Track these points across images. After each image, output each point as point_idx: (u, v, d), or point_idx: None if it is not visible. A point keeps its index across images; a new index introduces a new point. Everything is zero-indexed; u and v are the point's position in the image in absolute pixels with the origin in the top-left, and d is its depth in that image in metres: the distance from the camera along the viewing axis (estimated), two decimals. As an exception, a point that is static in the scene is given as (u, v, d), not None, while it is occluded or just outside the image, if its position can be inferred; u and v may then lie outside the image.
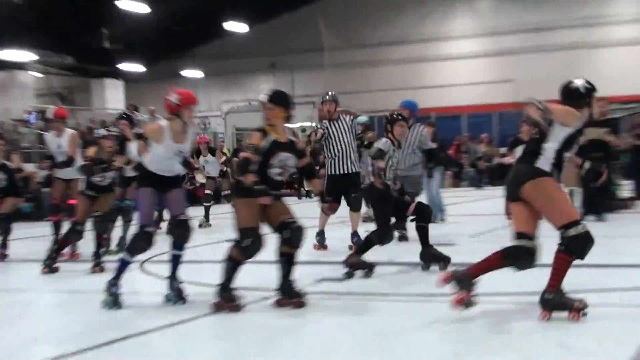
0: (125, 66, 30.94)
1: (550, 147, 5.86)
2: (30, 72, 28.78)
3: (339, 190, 10.25)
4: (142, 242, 6.80)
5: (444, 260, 8.16)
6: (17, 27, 23.91)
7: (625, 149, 14.98)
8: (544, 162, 5.83)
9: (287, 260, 6.56)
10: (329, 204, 9.33)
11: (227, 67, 34.79)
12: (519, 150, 10.50)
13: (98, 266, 9.33)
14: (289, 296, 6.57)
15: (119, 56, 29.41)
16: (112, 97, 30.68)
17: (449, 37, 33.11)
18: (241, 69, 34.93)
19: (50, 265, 9.51)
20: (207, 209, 15.61)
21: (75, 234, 9.59)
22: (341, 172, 10.32)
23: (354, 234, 10.33)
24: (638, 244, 10.50)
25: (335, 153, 10.33)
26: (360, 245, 8.52)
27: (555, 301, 5.69)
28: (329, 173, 10.47)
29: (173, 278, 7.03)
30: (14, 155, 11.64)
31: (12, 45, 25.15)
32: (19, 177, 11.70)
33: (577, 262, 8.48)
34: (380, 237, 8.31)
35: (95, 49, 27.95)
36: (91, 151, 9.51)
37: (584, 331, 5.43)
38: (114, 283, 6.78)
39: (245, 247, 6.32)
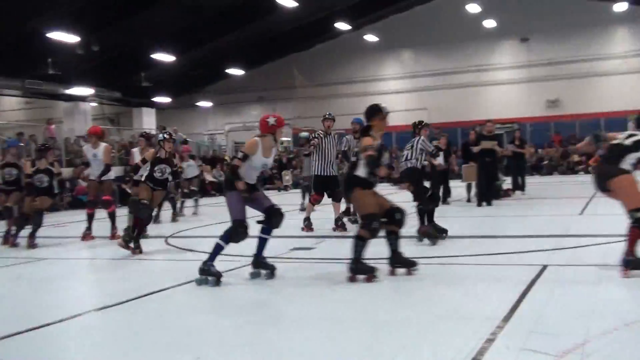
0: (156, 99, 30.84)
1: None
2: (89, 103, 28.58)
3: (324, 187, 9.90)
4: (240, 234, 5.99)
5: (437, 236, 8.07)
6: (81, 70, 24.04)
7: (506, 155, 15.24)
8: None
9: (396, 237, 6.05)
10: (314, 196, 9.40)
11: (228, 99, 34.78)
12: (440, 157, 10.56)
13: (139, 249, 8.35)
14: (405, 264, 6.03)
15: (152, 91, 29.38)
16: (147, 120, 30.60)
17: (383, 78, 33.27)
18: (238, 100, 34.92)
19: (128, 243, 8.32)
20: (182, 203, 13.78)
21: (145, 213, 8.36)
22: (326, 173, 9.82)
23: (337, 219, 9.87)
24: (515, 222, 10.63)
25: (323, 159, 9.84)
26: (420, 217, 8.23)
27: (633, 263, 5.46)
28: (317, 174, 9.90)
29: (261, 257, 6.26)
30: (56, 163, 11.00)
31: (78, 84, 25.36)
32: (58, 179, 10.76)
33: (478, 233, 8.63)
34: (426, 204, 8.21)
35: (136, 86, 27.96)
36: (150, 153, 8.78)
37: (473, 293, 5.18)
38: (211, 264, 6.00)
39: (373, 229, 5.79)
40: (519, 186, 15.72)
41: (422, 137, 8.72)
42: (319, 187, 9.87)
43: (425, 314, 4.61)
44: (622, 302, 4.72)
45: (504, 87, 30.75)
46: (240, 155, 6.08)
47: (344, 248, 6.65)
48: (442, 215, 9.53)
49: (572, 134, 28.29)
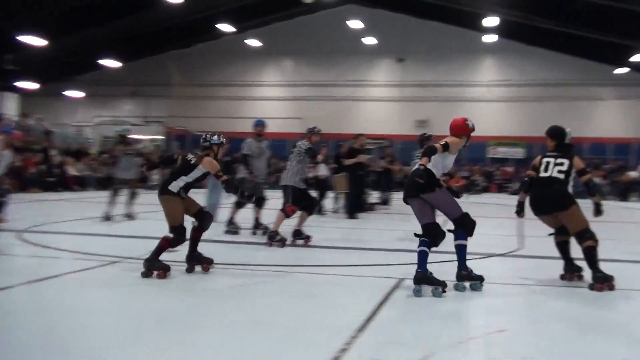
0: (21, 84, 29.06)
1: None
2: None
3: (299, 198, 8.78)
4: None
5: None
6: None
7: (376, 170, 15.69)
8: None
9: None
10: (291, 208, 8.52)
11: (100, 91, 33.31)
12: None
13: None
14: (200, 261, 6.38)
15: (17, 76, 27.60)
16: (8, 106, 28.79)
17: (262, 84, 33.36)
18: (110, 93, 33.60)
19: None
20: None
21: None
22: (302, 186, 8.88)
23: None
24: (377, 235, 10.89)
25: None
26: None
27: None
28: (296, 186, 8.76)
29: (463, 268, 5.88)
30: None
31: None
32: None
33: (341, 244, 8.74)
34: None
35: (-1, 68, 26.21)
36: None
37: (330, 304, 5.23)
38: (465, 267, 5.81)
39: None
40: (384, 201, 16.24)
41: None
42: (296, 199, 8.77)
43: (280, 324, 4.60)
44: (471, 315, 4.97)
45: (377, 104, 31.82)
46: (443, 143, 5.79)
47: (208, 253, 6.57)
48: (311, 225, 9.66)
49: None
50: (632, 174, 24.75)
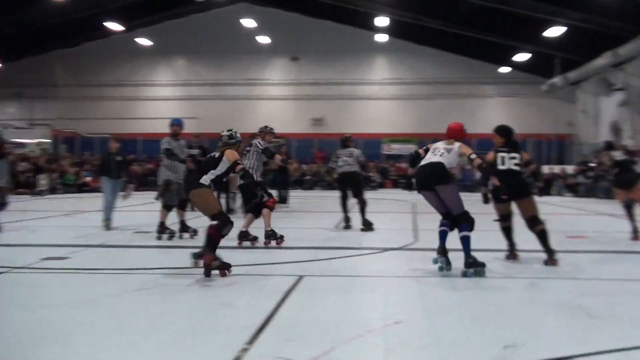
0: None
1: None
2: None
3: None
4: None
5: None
6: None
7: (273, 169, 15.70)
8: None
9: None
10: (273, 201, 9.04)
11: (-21, 91, 31.53)
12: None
13: None
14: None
15: None
16: None
17: (154, 83, 32.57)
18: (-9, 94, 31.87)
19: None
20: None
21: None
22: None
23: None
24: (280, 233, 10.85)
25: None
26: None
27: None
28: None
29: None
30: None
31: None
32: None
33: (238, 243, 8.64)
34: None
35: None
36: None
37: (230, 303, 5.21)
38: (471, 256, 6.39)
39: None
40: (282, 199, 16.30)
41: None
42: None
43: (179, 326, 4.53)
44: (368, 310, 5.08)
45: (274, 103, 31.84)
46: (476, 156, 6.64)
47: (103, 258, 6.36)
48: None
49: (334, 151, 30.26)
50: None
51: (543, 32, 22.95)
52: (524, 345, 4.05)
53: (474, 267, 6.39)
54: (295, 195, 19.64)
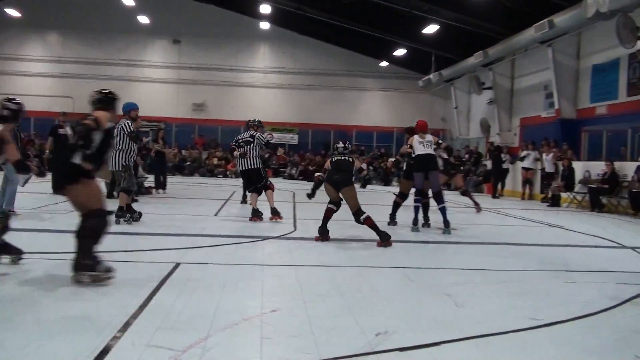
0: None
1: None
2: None
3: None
4: None
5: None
6: None
7: (150, 153, 15.34)
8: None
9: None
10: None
11: None
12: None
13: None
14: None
15: None
16: None
17: (24, 58, 30.57)
18: None
19: None
20: None
21: None
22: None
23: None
24: (153, 220, 10.58)
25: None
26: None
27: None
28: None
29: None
30: None
31: None
32: None
33: (114, 229, 8.38)
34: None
35: None
36: None
37: (103, 291, 5.21)
38: (447, 221, 9.72)
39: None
40: (160, 184, 15.92)
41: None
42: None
43: (51, 313, 4.32)
44: (245, 298, 5.05)
45: (153, 85, 30.86)
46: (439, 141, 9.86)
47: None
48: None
49: (214, 138, 30.06)
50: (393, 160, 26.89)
51: (421, 29, 23.77)
52: (395, 332, 4.19)
53: (448, 228, 9.55)
54: (174, 181, 19.24)
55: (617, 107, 17.76)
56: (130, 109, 9.64)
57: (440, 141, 10.15)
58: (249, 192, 11.13)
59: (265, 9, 26.71)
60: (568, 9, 17.03)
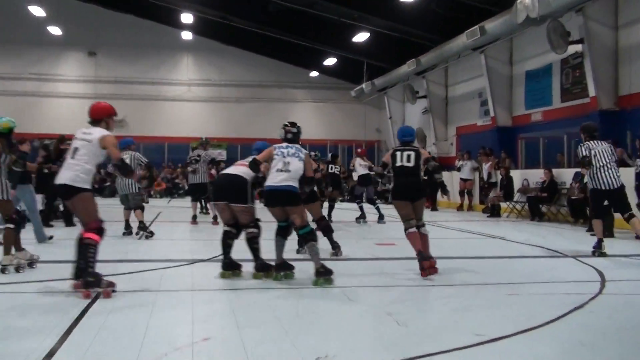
0: None
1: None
2: None
3: None
4: None
5: None
6: None
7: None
8: None
9: None
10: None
11: None
12: None
13: None
14: None
15: None
16: None
17: None
18: None
19: None
20: None
21: None
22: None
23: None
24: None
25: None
26: None
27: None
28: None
29: None
30: None
31: None
32: None
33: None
34: None
35: None
36: None
37: (20, 325, 5.01)
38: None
39: None
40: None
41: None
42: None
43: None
44: (175, 326, 4.93)
45: (68, 101, 29.99)
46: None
47: None
48: None
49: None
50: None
51: (351, 37, 24.06)
52: (336, 355, 4.15)
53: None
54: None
55: (552, 113, 18.39)
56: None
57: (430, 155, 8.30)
58: (192, 202, 14.40)
59: (187, 18, 26.48)
60: (499, 15, 17.56)
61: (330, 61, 28.77)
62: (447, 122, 25.21)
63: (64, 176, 6.19)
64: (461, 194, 19.86)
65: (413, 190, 7.64)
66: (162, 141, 30.14)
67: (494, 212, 17.40)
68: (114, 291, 5.96)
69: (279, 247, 7.10)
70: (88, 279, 5.88)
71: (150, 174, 12.23)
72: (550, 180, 15.55)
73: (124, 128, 30.43)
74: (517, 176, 17.44)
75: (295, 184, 6.97)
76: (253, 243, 7.21)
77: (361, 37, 23.79)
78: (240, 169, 7.35)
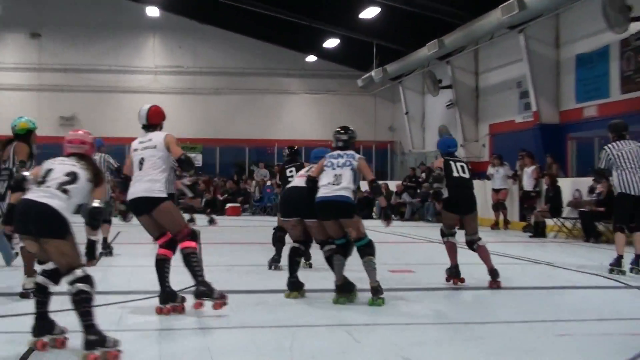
0: None
1: None
2: None
3: None
4: None
5: None
6: None
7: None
8: None
9: None
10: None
11: None
12: None
13: None
14: None
15: None
16: None
17: None
18: None
19: None
20: None
21: None
22: None
23: None
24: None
25: None
26: None
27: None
28: None
29: None
30: None
31: None
32: None
33: None
34: None
35: None
36: None
37: None
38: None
39: None
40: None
41: None
42: None
43: None
44: None
45: (4, 95, 30.02)
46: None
47: None
48: None
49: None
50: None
51: (358, 13, 24.01)
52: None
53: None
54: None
55: (609, 107, 18.27)
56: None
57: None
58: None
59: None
60: (543, -16, 17.54)
61: (331, 43, 28.74)
62: (477, 119, 25.15)
63: (137, 189, 6.99)
64: (495, 208, 19.71)
65: (467, 205, 8.95)
66: (122, 143, 29.90)
67: (538, 230, 17.25)
68: (225, 303, 6.86)
69: (339, 267, 7.72)
70: (201, 288, 6.81)
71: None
72: (608, 192, 15.41)
73: (75, 127, 30.44)
74: (567, 186, 17.30)
75: (350, 194, 7.61)
76: (336, 260, 7.80)
77: (370, 12, 23.76)
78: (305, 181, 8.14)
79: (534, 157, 19.18)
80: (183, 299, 7.10)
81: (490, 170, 20.01)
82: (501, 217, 19.68)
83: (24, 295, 7.63)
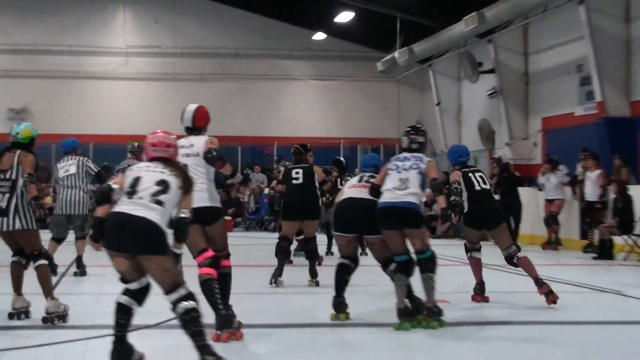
0: None
1: None
2: None
3: None
4: None
5: None
6: None
7: None
8: None
9: None
10: None
11: None
12: None
13: None
14: None
15: None
16: None
17: None
18: None
19: None
20: None
21: None
22: None
23: None
24: None
25: None
26: None
27: None
28: None
29: None
30: None
31: None
32: None
33: None
34: None
35: None
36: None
37: None
38: None
39: None
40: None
41: None
42: None
43: None
44: None
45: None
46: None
47: None
48: None
49: (44, 163, 29.36)
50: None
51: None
52: None
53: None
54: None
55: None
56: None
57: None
58: None
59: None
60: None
61: (344, 17, 28.72)
62: (527, 112, 25.12)
63: (196, 198, 7.07)
64: (547, 222, 19.43)
65: (490, 219, 9.84)
66: (86, 141, 30.06)
67: (603, 251, 17.10)
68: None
69: (401, 288, 8.13)
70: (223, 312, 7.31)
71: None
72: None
73: (26, 121, 30.49)
74: (640, 195, 17.24)
75: (417, 200, 8.16)
76: (397, 279, 8.23)
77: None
78: (364, 191, 8.50)
79: (599, 159, 18.97)
80: (240, 324, 7.54)
81: (541, 179, 19.81)
82: (552, 234, 19.41)
83: (12, 315, 8.24)
